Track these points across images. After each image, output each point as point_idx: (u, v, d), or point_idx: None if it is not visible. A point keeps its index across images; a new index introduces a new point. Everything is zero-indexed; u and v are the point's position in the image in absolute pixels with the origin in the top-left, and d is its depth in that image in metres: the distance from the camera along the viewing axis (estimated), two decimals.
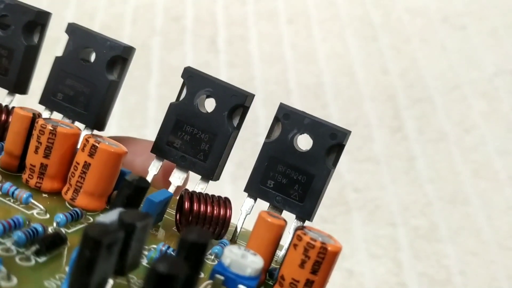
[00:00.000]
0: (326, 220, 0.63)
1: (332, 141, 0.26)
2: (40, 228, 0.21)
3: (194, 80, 0.27)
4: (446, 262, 0.62)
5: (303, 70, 0.79)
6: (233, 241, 0.27)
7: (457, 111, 0.76)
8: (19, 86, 0.30)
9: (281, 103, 0.27)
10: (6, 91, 0.30)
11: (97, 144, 0.24)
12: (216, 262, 0.25)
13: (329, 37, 0.84)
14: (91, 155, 0.24)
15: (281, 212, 0.27)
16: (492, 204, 0.68)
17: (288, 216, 0.26)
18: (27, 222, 0.22)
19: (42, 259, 0.21)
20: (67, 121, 0.29)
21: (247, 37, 0.83)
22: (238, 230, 0.27)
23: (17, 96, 0.30)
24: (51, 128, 0.24)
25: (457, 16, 0.87)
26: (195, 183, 0.28)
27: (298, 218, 0.27)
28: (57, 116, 0.29)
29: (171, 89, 0.74)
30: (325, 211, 0.64)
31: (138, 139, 0.32)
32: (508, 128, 0.75)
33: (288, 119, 0.26)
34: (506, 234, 0.65)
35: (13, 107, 0.29)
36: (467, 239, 0.64)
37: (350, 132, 0.26)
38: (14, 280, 0.19)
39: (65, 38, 0.29)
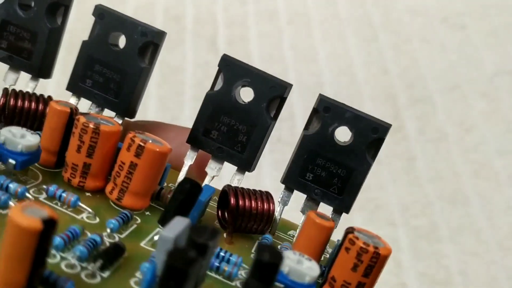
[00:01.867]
0: None
1: (373, 135, 0.26)
2: (98, 239, 0.21)
3: (231, 69, 0.26)
4: (446, 262, 0.62)
5: (303, 70, 0.79)
6: (272, 233, 0.27)
7: (457, 111, 0.76)
8: (43, 70, 0.29)
9: (321, 95, 0.26)
10: (28, 76, 0.29)
11: (143, 144, 0.23)
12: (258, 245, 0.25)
13: (329, 37, 0.84)
14: (137, 155, 0.23)
15: (318, 204, 0.27)
16: (492, 204, 0.68)
17: (323, 206, 0.26)
18: (83, 230, 0.22)
19: (106, 274, 0.20)
20: (94, 110, 0.28)
21: (247, 37, 0.83)
22: (277, 222, 0.27)
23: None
24: (94, 127, 0.23)
25: (457, 16, 0.87)
26: (230, 174, 0.27)
27: (335, 210, 0.27)
28: (84, 102, 0.28)
29: (171, 89, 0.74)
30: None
31: (169, 124, 0.32)
32: (508, 128, 0.75)
33: (329, 112, 0.26)
34: (506, 234, 0.65)
35: (44, 96, 0.27)
36: (467, 239, 0.64)
37: (390, 125, 0.26)
38: None
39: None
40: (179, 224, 0.19)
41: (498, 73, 0.80)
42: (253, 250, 0.26)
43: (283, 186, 0.27)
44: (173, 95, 0.73)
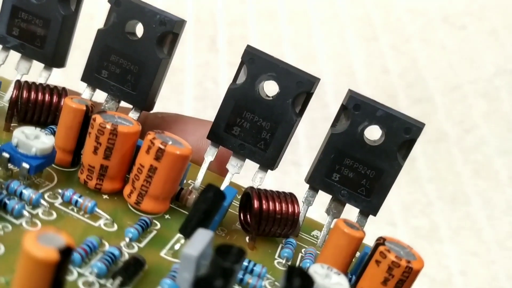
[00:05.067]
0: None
1: (406, 136, 0.24)
2: (117, 252, 0.20)
3: (256, 63, 0.25)
4: (446, 262, 0.62)
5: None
6: (295, 234, 0.26)
7: (457, 111, 0.76)
8: (57, 59, 0.27)
9: (350, 91, 0.25)
10: (41, 64, 0.28)
11: (163, 147, 0.22)
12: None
13: (329, 37, 0.84)
14: (157, 158, 0.22)
15: (344, 205, 0.26)
16: (492, 204, 0.67)
17: (348, 208, 0.25)
18: (100, 241, 0.21)
19: None
20: (110, 102, 0.27)
21: (247, 37, 0.83)
22: (301, 223, 0.26)
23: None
24: (111, 128, 0.22)
25: (457, 16, 0.87)
26: (253, 172, 0.26)
27: (361, 212, 0.26)
28: (99, 93, 0.27)
29: (171, 89, 0.74)
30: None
31: (189, 117, 0.30)
32: (508, 128, 0.75)
33: (359, 110, 0.24)
34: (506, 234, 0.65)
35: (58, 87, 0.26)
36: (467, 239, 0.64)
37: (424, 125, 0.24)
38: None
39: None
40: (202, 239, 0.18)
41: (498, 73, 0.80)
42: (276, 256, 0.25)
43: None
44: (173, 95, 0.72)
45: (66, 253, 0.15)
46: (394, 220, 0.65)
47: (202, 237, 0.18)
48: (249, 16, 0.86)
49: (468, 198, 0.68)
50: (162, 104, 0.74)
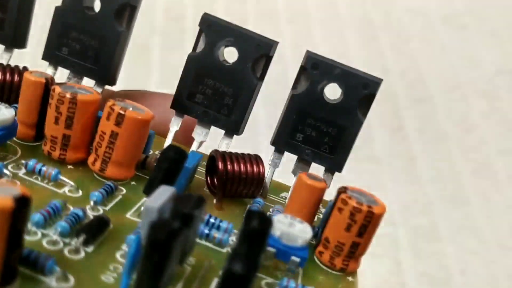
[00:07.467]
0: None
1: (364, 91, 0.25)
2: (80, 213, 0.21)
3: (213, 29, 0.25)
4: (446, 262, 0.62)
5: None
6: (264, 196, 0.26)
7: (457, 111, 0.76)
8: (17, 40, 0.27)
9: (308, 51, 0.25)
10: (2, 47, 0.28)
11: (123, 112, 0.22)
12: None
13: (329, 37, 0.84)
14: (117, 124, 0.22)
15: (309, 165, 0.26)
16: (492, 204, 0.67)
17: (315, 167, 0.26)
18: (65, 205, 0.21)
19: (90, 248, 0.20)
20: (73, 79, 0.27)
21: None
22: (268, 185, 0.26)
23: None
24: (70, 97, 0.22)
25: (457, 16, 0.87)
26: (218, 139, 0.26)
27: (327, 170, 0.26)
28: (62, 71, 0.27)
29: (171, 89, 0.74)
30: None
31: (154, 92, 0.31)
32: (508, 128, 0.75)
33: (317, 69, 0.25)
34: (506, 234, 0.65)
35: (19, 66, 0.26)
36: (467, 239, 0.64)
37: (381, 80, 0.25)
38: (72, 281, 0.18)
39: None
40: (164, 193, 0.18)
41: (498, 73, 0.80)
42: (244, 215, 0.25)
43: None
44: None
45: (21, 201, 0.15)
46: (394, 220, 0.65)
47: (164, 192, 0.18)
48: (249, 16, 0.86)
49: (468, 198, 0.68)
50: None
